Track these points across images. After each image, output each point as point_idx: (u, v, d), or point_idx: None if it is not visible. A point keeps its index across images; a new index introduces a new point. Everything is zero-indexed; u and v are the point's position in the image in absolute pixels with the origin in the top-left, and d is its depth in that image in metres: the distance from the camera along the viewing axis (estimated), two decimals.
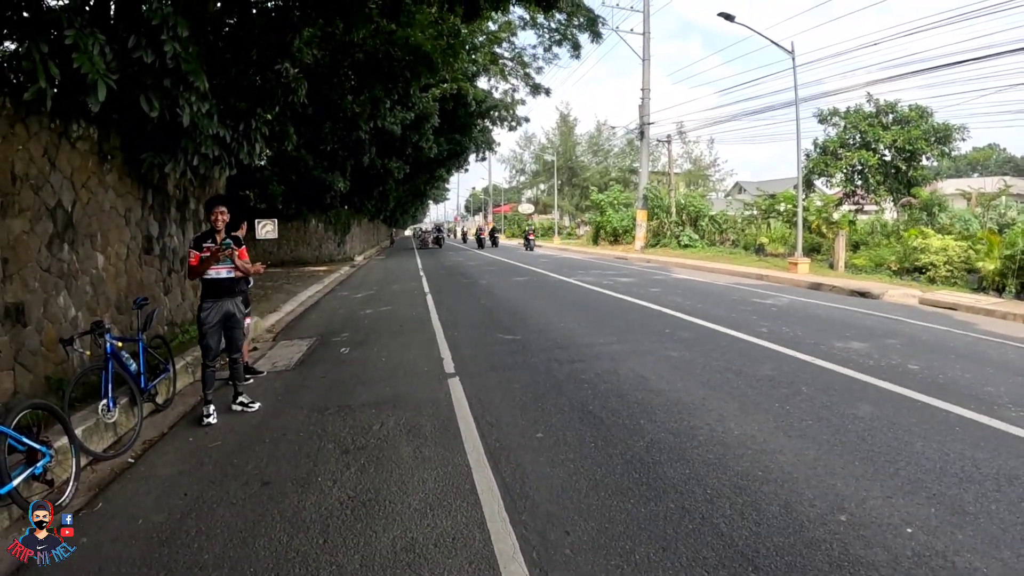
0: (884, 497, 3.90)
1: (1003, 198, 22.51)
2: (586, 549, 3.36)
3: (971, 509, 3.74)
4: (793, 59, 20.67)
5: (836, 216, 24.61)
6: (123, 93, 6.39)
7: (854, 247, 21.35)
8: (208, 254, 5.88)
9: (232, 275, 6.08)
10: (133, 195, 7.87)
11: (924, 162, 27.75)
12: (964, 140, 27.63)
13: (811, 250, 22.33)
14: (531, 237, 40.97)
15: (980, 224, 19.63)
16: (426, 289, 16.62)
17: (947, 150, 27.65)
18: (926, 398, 6.05)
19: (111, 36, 6.14)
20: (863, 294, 14.50)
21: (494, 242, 47.35)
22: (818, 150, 29.80)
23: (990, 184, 30.97)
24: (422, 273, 22.34)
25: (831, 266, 20.03)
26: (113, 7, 7.07)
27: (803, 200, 22.75)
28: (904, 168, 26.97)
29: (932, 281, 16.32)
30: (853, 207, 28.90)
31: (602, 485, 4.15)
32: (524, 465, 4.52)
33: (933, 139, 26.79)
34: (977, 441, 4.88)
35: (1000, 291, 14.59)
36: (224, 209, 6.11)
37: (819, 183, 30.45)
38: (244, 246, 6.32)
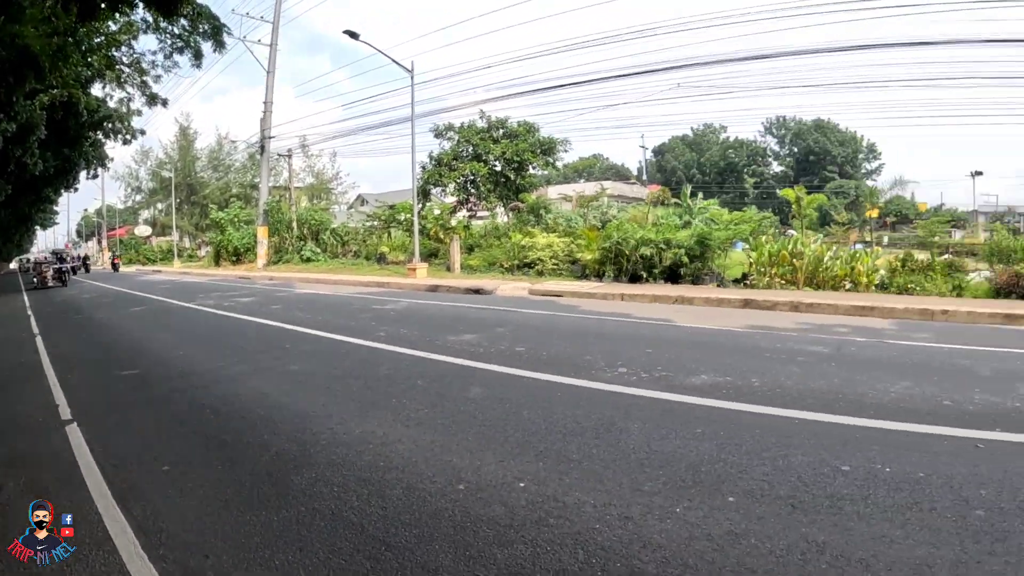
0: (497, 462, 4.25)
1: (604, 199, 26.47)
2: (228, 567, 3.28)
3: (575, 457, 4.27)
4: (412, 77, 22.56)
5: (453, 222, 26.69)
6: None
7: (469, 249, 23.50)
8: None
9: None
10: None
11: (532, 171, 31.32)
12: (567, 151, 32.28)
13: (430, 255, 24.03)
14: (117, 262, 51.56)
15: (585, 222, 22.84)
16: (35, 330, 14.28)
17: (551, 160, 31.69)
18: (532, 373, 6.80)
19: None
20: (478, 291, 15.89)
21: (86, 268, 51.30)
22: (434, 162, 31.99)
23: (590, 188, 36.11)
24: (30, 312, 19.14)
25: (448, 268, 21.72)
26: None
27: (421, 209, 24.25)
28: (513, 177, 30.16)
29: (541, 274, 18.65)
30: (468, 213, 31.59)
31: (233, 503, 4.02)
32: (155, 500, 4.22)
33: (539, 151, 30.50)
34: (577, 401, 5.60)
35: (600, 277, 17.27)
36: None
37: (436, 192, 32.67)
38: None
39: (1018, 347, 9.23)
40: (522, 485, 3.86)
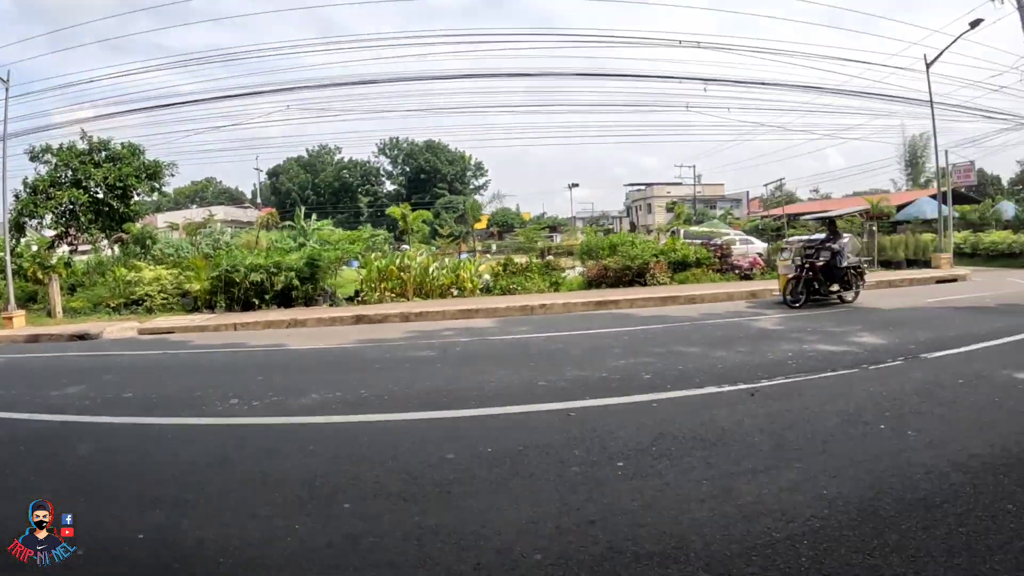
0: (113, 518, 4.13)
1: (217, 224, 25.38)
2: None
3: (191, 497, 4.33)
4: (7, 89, 19.99)
5: (54, 259, 23.88)
6: None
7: (72, 289, 21.06)
8: None
9: None
10: None
11: (138, 197, 28.83)
12: (174, 175, 29.97)
13: (28, 300, 21.01)
14: None
15: (197, 251, 21.89)
16: None
17: (158, 185, 29.37)
18: (142, 419, 6.57)
19: None
20: (83, 336, 14.50)
21: None
22: (28, 190, 27.88)
23: (200, 214, 34.48)
24: None
25: (50, 314, 19.21)
26: None
27: (15, 246, 21.38)
28: (117, 205, 27.48)
29: (150, 311, 17.51)
30: (69, 248, 28.29)
31: None
32: None
33: (144, 175, 28.09)
34: (190, 440, 5.74)
35: (213, 307, 16.87)
36: None
37: (33, 224, 28.56)
38: None
39: (606, 327, 11.08)
40: (142, 537, 3.80)
